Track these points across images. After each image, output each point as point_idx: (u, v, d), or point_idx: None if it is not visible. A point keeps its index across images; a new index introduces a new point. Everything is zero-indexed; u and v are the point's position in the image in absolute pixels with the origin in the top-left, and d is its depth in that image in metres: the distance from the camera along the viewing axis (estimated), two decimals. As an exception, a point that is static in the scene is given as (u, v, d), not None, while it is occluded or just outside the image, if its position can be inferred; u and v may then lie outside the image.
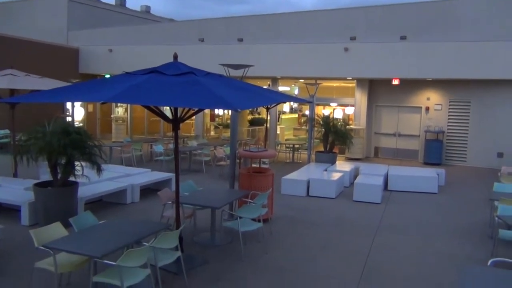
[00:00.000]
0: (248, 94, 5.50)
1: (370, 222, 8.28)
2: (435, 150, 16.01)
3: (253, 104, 7.37)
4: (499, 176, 10.10)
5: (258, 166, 8.99)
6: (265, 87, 15.18)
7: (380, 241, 7.11)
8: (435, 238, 7.40)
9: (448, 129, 16.36)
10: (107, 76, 17.33)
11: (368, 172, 11.67)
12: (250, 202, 6.82)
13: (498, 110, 15.55)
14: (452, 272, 5.76)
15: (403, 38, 15.42)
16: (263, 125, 17.94)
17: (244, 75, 10.48)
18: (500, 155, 15.42)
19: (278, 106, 17.33)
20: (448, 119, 16.39)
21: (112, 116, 21.10)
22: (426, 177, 11.30)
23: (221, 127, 21.89)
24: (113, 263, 3.99)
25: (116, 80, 4.94)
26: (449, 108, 16.36)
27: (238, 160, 9.23)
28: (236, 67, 10.80)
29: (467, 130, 16.15)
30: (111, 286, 4.10)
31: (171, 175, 10.09)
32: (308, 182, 10.44)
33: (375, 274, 5.71)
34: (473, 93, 15.90)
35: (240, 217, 6.23)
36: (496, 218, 6.51)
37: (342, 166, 13.01)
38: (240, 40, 17.70)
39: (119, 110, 21.25)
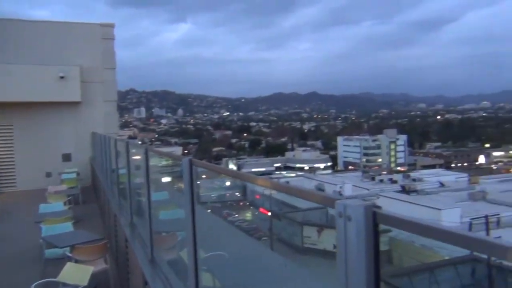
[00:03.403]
0: None
1: None
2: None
3: None
4: (46, 196, 10.57)
5: None
6: None
7: None
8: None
9: (-8, 155, 15.59)
10: None
11: None
12: None
13: (41, 132, 16.20)
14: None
15: None
16: None
17: None
18: (48, 174, 16.12)
19: None
20: (-9, 144, 15.61)
21: None
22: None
23: None
24: None
25: None
26: (-9, 133, 15.62)
27: None
28: None
29: (13, 154, 15.93)
30: None
31: None
32: None
33: None
34: (16, 116, 15.84)
35: None
36: (41, 240, 6.83)
37: None
38: None
39: None
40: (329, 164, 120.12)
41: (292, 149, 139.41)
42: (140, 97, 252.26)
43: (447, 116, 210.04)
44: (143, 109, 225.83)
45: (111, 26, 17.33)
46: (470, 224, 28.36)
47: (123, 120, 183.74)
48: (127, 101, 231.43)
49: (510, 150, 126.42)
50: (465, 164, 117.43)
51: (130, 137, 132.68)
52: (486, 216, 26.03)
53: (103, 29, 17.00)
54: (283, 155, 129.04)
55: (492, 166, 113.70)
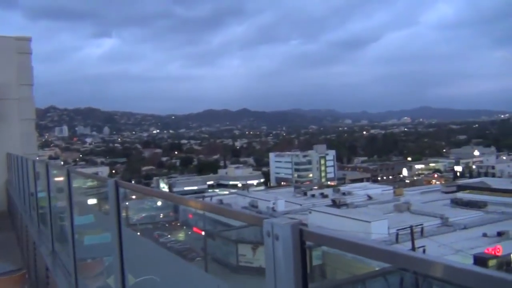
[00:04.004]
0: None
1: None
2: None
3: None
4: (-47, 226, 9.68)
5: None
6: None
7: None
8: None
9: None
10: None
11: None
12: None
13: None
14: None
15: None
16: None
17: None
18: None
19: None
20: None
21: None
22: None
23: None
24: None
25: None
26: None
27: None
28: None
29: None
30: None
31: None
32: None
33: None
34: None
35: None
36: None
37: None
38: None
39: None
40: (262, 180, 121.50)
41: (225, 167, 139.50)
42: (61, 115, 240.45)
43: (371, 131, 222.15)
44: (65, 128, 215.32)
45: (27, 39, 16.46)
46: (397, 235, 29.94)
47: (43, 140, 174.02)
48: (47, 119, 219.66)
49: (430, 163, 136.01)
50: (390, 177, 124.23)
51: (51, 158, 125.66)
52: (410, 227, 27.60)
53: (18, 43, 16.09)
54: (215, 172, 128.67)
55: (414, 178, 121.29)
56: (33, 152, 15.29)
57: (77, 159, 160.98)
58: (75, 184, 4.73)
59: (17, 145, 15.33)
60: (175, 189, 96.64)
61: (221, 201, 52.40)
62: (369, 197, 51.73)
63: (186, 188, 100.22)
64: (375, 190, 60.27)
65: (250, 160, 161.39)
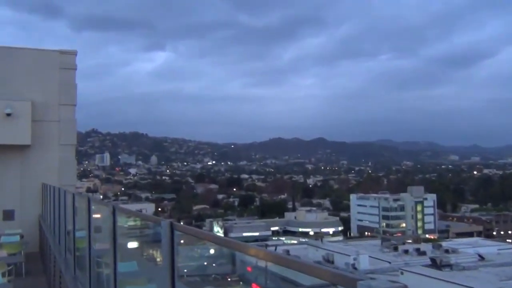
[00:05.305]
0: None
1: None
2: None
3: None
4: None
5: None
6: None
7: None
8: None
9: None
10: None
11: None
12: None
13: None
14: None
15: None
16: None
17: None
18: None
19: None
20: None
21: None
22: None
23: None
24: None
25: None
26: None
27: None
28: None
29: None
30: None
31: None
32: None
33: None
34: None
35: None
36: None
37: None
38: None
39: None
40: (339, 229, 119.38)
41: (294, 209, 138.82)
42: (103, 140, 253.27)
43: (485, 171, 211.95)
44: (107, 155, 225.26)
45: (73, 53, 17.44)
46: (519, 310, 28.01)
47: (81, 169, 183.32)
48: (87, 144, 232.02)
49: None
50: (510, 231, 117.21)
51: (89, 190, 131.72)
52: (538, 300, 25.72)
53: (62, 57, 17.07)
54: (282, 216, 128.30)
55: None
56: (71, 183, 16.06)
57: (119, 193, 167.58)
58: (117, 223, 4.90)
59: (54, 174, 16.19)
60: (231, 235, 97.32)
61: (287, 252, 51.90)
62: (481, 257, 49.14)
63: (245, 234, 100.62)
64: (489, 248, 57.17)
65: (326, 202, 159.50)
